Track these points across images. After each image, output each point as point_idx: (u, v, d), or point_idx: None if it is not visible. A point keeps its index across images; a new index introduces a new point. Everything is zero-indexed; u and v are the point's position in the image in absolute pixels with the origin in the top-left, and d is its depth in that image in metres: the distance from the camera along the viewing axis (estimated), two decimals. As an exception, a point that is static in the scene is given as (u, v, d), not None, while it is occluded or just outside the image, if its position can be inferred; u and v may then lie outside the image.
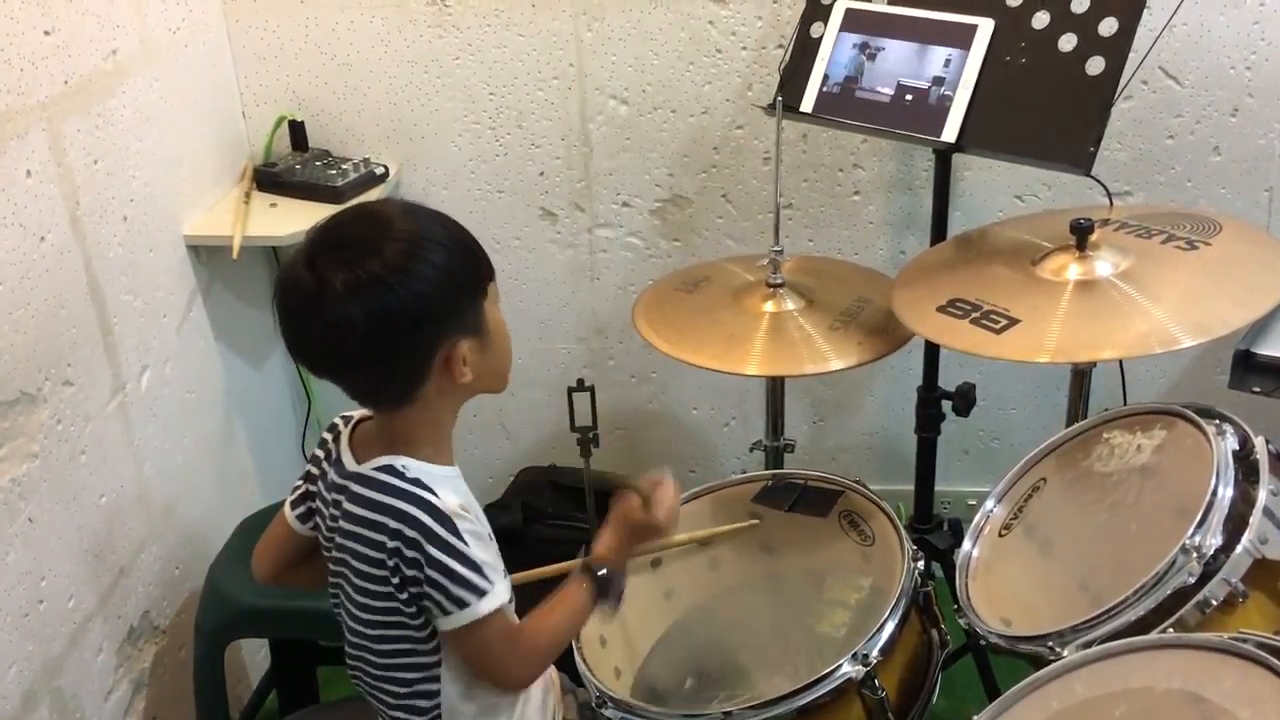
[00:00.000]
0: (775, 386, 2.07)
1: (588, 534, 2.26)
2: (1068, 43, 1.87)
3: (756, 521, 1.80)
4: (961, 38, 1.97)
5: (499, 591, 1.36)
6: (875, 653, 1.53)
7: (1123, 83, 1.82)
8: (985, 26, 1.95)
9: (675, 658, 1.70)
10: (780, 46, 2.36)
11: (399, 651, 1.44)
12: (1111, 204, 1.90)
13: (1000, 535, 1.60)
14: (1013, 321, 1.61)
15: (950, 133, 1.95)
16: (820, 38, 2.11)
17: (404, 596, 1.37)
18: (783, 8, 2.34)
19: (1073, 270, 1.70)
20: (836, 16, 2.10)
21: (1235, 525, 1.32)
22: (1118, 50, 1.83)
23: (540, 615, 1.43)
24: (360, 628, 1.45)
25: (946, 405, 2.24)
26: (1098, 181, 1.88)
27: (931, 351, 2.22)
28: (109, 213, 2.03)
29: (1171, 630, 1.28)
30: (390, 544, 1.35)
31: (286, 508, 1.54)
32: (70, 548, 1.91)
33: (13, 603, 1.76)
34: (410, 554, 1.34)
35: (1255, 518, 1.30)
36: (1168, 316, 1.58)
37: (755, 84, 2.41)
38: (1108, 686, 1.25)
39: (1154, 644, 1.24)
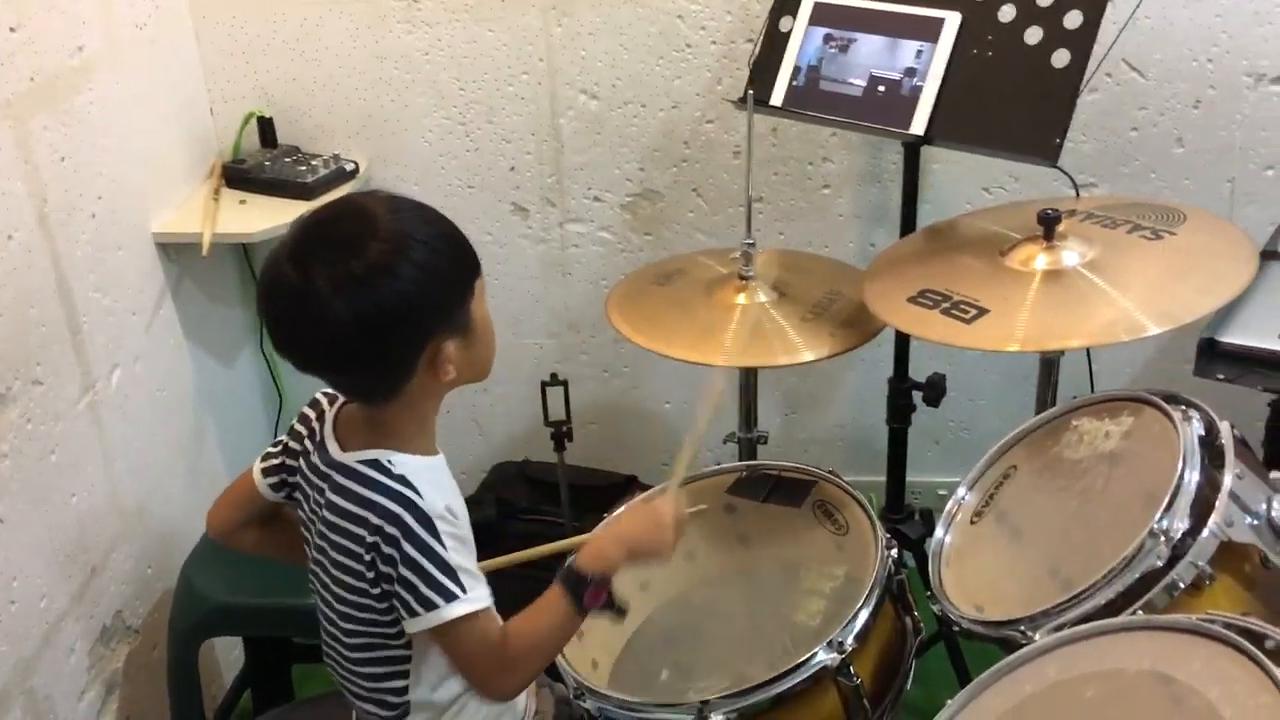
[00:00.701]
0: (748, 379, 2.08)
1: (562, 528, 2.28)
2: (1033, 35, 1.89)
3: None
4: (929, 31, 1.99)
5: (473, 598, 1.35)
6: (850, 640, 1.54)
7: (1088, 75, 1.84)
8: (952, 20, 1.97)
9: (652, 649, 1.70)
10: (749, 41, 2.37)
11: (369, 645, 1.44)
12: (1078, 195, 1.92)
13: (972, 522, 1.62)
14: (982, 311, 1.63)
15: (919, 125, 1.96)
16: (789, 32, 2.12)
17: (376, 591, 1.38)
18: (752, 1, 2.35)
19: (1040, 260, 1.72)
20: (805, 10, 2.11)
21: (1202, 509, 1.34)
22: (1083, 43, 1.85)
23: (522, 624, 1.42)
24: (335, 616, 1.46)
25: (917, 396, 2.26)
26: (1064, 173, 1.91)
27: (902, 343, 2.24)
28: (77, 211, 2.01)
29: (1141, 613, 1.30)
30: (370, 538, 1.35)
31: (256, 470, 1.54)
32: (41, 548, 1.90)
33: (-15, 603, 1.76)
34: (387, 550, 1.34)
35: (1221, 501, 1.33)
36: (1134, 305, 1.60)
37: (725, 78, 2.42)
38: (1079, 669, 1.27)
39: (1124, 626, 1.26)
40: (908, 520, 2.31)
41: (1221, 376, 1.89)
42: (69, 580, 1.98)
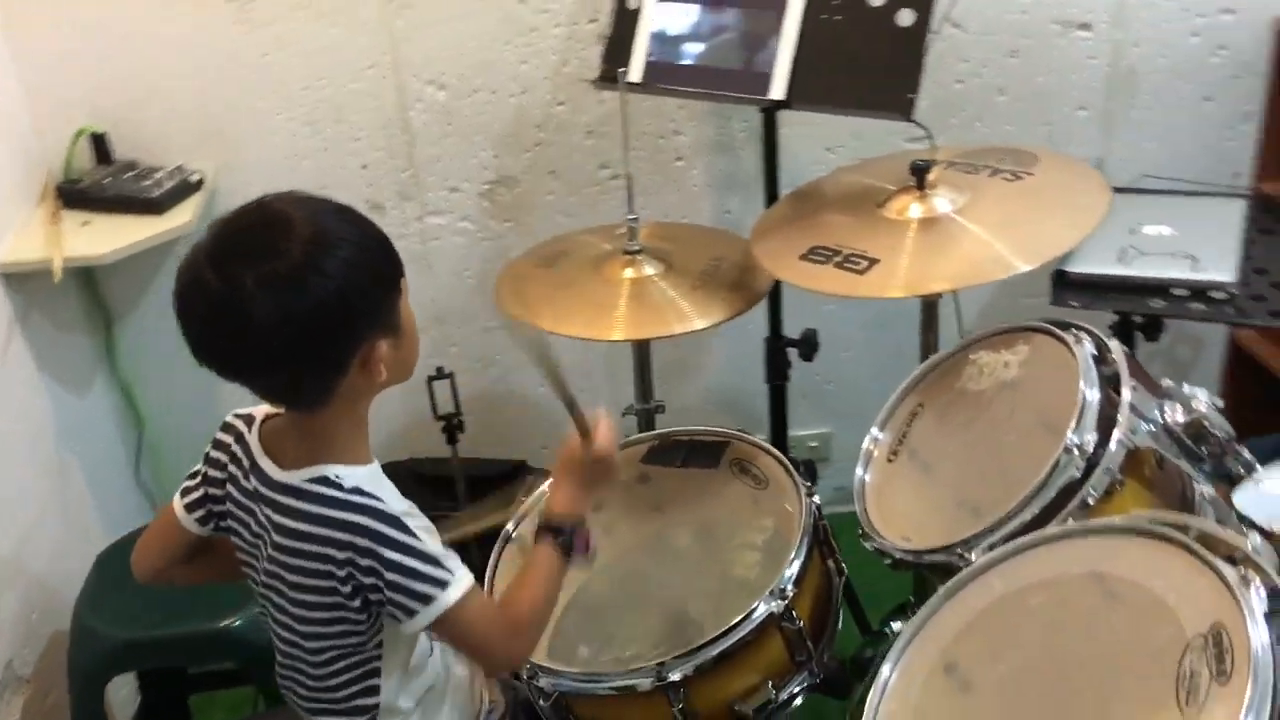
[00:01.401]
0: (641, 351, 2.12)
1: (457, 521, 2.28)
2: (877, -2, 1.99)
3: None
4: (776, 1, 2.07)
5: (461, 577, 1.36)
6: (790, 586, 1.61)
7: (932, 30, 1.95)
8: (799, -12, 2.05)
9: (588, 622, 1.73)
10: (593, 21, 2.41)
11: (340, 656, 1.43)
12: (934, 146, 2.03)
13: (889, 461, 1.71)
14: (873, 261, 1.72)
15: (778, 91, 2.04)
16: (638, 9, 2.17)
17: (356, 604, 1.36)
18: (592, -17, 2.39)
19: (915, 209, 1.82)
20: (653, -12, 2.16)
21: (1107, 422, 1.46)
22: (925, 1, 1.96)
23: (516, 589, 1.44)
24: (297, 637, 1.44)
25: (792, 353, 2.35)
26: (920, 126, 2.01)
27: (774, 303, 2.32)
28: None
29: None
30: (340, 555, 1.33)
31: (178, 508, 1.50)
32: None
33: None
34: (365, 563, 1.32)
35: (1124, 413, 1.45)
36: (1008, 244, 1.72)
37: (571, 59, 2.45)
38: (1023, 580, 1.37)
39: (1059, 535, 1.37)
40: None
41: (1075, 304, 2.05)
42: (-46, 635, 1.88)
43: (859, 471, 1.71)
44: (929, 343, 1.89)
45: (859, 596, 2.19)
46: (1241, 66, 2.52)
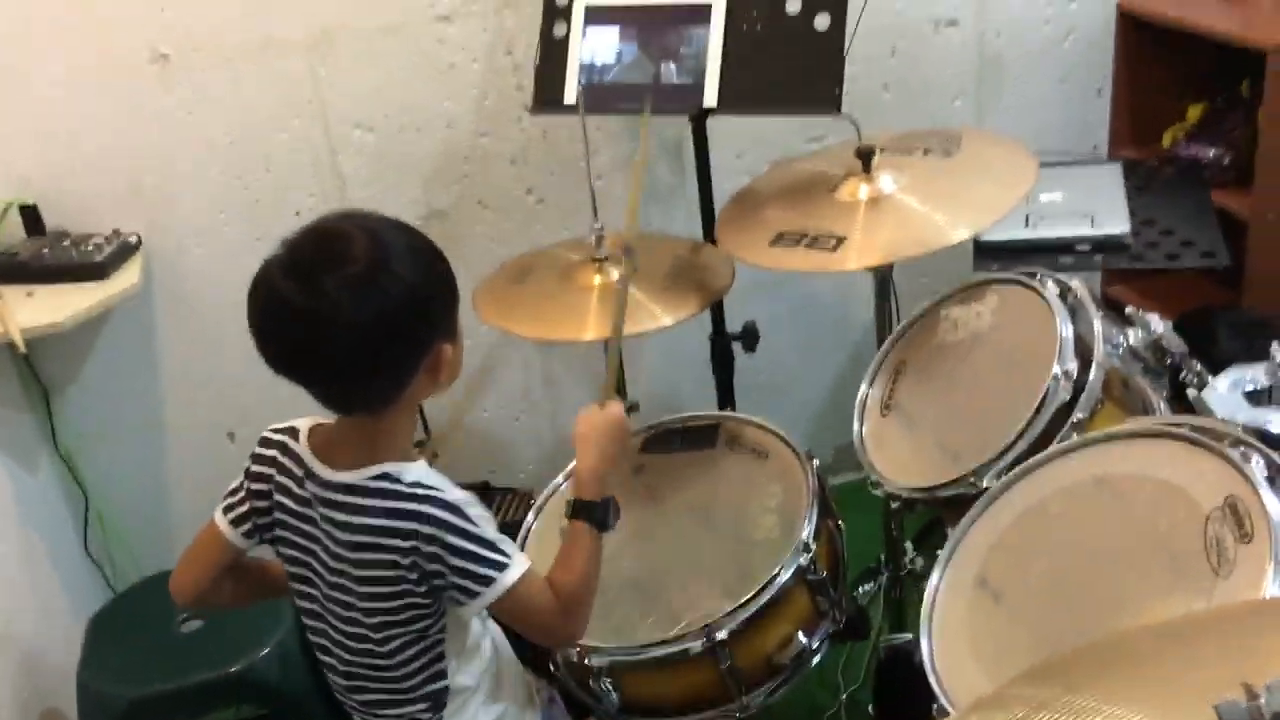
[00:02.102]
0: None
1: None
2: (793, 6, 2.16)
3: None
4: (699, 16, 2.22)
5: (519, 559, 1.45)
6: (811, 540, 1.75)
7: (850, 30, 2.13)
8: (718, 4, 2.21)
9: (631, 599, 1.83)
10: (509, 54, 2.53)
11: (410, 644, 1.50)
12: (860, 137, 2.21)
13: (883, 415, 1.87)
14: (841, 240, 1.88)
15: (710, 99, 2.19)
16: (565, 36, 2.29)
17: (422, 589, 1.44)
18: (504, 18, 2.50)
19: (863, 191, 1.99)
20: (578, 14, 2.28)
21: (1084, 350, 1.65)
22: (838, 6, 2.14)
23: (562, 569, 1.52)
24: (366, 632, 1.49)
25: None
26: (848, 118, 2.19)
27: (716, 301, 2.46)
28: None
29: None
30: (406, 544, 1.41)
31: (222, 523, 1.55)
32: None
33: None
34: (429, 549, 1.41)
35: (1098, 340, 1.64)
36: (954, 214, 1.90)
37: (491, 92, 2.55)
38: (1040, 493, 1.54)
39: (1067, 449, 1.54)
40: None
41: (995, 267, 2.26)
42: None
43: (855, 425, 1.86)
44: (884, 311, 2.06)
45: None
46: (1090, 47, 2.81)
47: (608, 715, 1.76)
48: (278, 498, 1.52)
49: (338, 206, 2.51)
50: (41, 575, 2.35)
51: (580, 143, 2.61)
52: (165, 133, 2.42)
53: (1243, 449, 1.37)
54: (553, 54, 2.30)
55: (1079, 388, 1.61)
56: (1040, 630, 1.43)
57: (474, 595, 1.43)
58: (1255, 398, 1.65)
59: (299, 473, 1.49)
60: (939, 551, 1.55)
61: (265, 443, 1.55)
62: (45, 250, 2.32)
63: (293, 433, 1.53)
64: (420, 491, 1.42)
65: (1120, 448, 1.49)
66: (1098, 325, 1.64)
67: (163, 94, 2.39)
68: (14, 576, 2.20)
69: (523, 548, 1.90)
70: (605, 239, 2.09)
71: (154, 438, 2.65)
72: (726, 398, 2.56)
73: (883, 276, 2.04)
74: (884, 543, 2.29)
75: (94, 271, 2.29)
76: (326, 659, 1.58)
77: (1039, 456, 1.56)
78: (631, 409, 2.26)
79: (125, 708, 1.99)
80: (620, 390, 1.59)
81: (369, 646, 1.51)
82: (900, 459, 1.83)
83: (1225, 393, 1.64)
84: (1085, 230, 2.29)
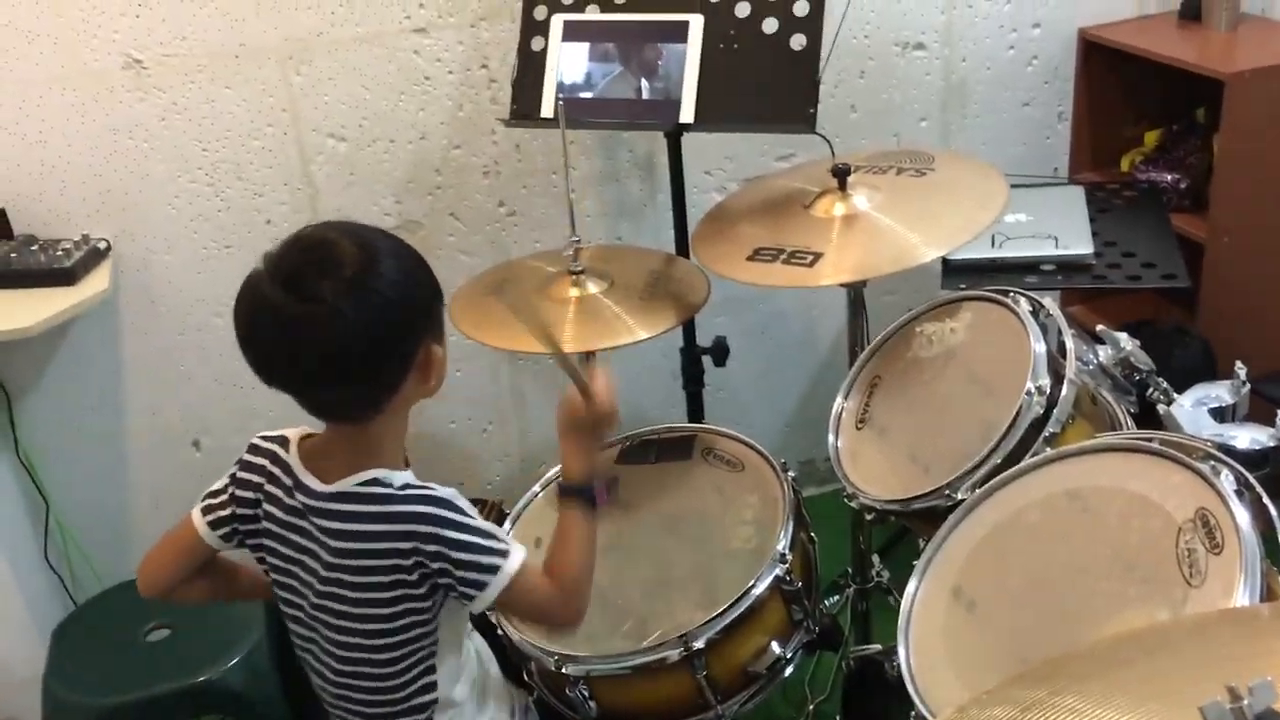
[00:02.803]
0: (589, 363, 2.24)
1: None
2: (770, 26, 2.20)
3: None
4: (676, 33, 2.25)
5: (516, 546, 1.46)
6: (787, 551, 1.77)
7: (825, 51, 2.17)
8: (696, 21, 2.24)
9: (608, 609, 1.84)
10: (484, 67, 2.54)
11: (406, 654, 1.50)
12: (834, 154, 2.25)
13: (858, 428, 1.90)
14: (818, 255, 1.91)
15: (687, 115, 2.22)
16: (543, 50, 2.31)
17: (421, 592, 1.44)
18: (480, 30, 2.52)
19: (839, 208, 2.03)
20: (556, 29, 2.30)
21: (1056, 366, 1.69)
22: (813, 26, 2.18)
23: (558, 555, 1.53)
24: (359, 640, 1.49)
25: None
26: (821, 136, 2.23)
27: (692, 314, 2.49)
28: None
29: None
30: (406, 546, 1.41)
31: (200, 524, 1.54)
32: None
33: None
34: (431, 548, 1.41)
35: (1070, 357, 1.68)
36: (927, 233, 1.94)
37: (466, 104, 2.57)
38: (1014, 505, 1.57)
39: (1040, 463, 1.58)
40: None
41: (963, 285, 2.30)
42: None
43: (831, 438, 1.89)
44: (857, 327, 2.10)
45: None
46: (1052, 73, 2.88)
47: (584, 724, 1.77)
48: (266, 507, 1.52)
49: (309, 215, 2.54)
50: (1, 583, 2.32)
51: (553, 156, 2.66)
52: (137, 139, 2.41)
53: (1212, 463, 1.41)
54: (530, 67, 2.32)
55: (1051, 403, 1.65)
56: (1016, 639, 1.46)
57: (482, 587, 1.43)
58: (1219, 414, 1.70)
59: (289, 483, 1.49)
60: (915, 563, 1.57)
61: (255, 450, 1.54)
62: (13, 255, 2.30)
63: (283, 442, 1.52)
64: (411, 493, 1.44)
65: (1093, 461, 1.53)
66: (1069, 342, 1.68)
67: (136, 101, 2.39)
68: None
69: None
70: (582, 251, 2.10)
71: (117, 445, 2.63)
72: (697, 412, 2.58)
73: (856, 293, 2.07)
74: (852, 555, 2.32)
75: (63, 276, 2.27)
76: (315, 669, 1.57)
77: (1013, 470, 1.59)
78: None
79: (93, 717, 1.97)
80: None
81: (362, 655, 1.50)
82: (875, 471, 1.85)
83: (1191, 409, 1.69)
84: (1050, 251, 2.35)
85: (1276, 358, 2.44)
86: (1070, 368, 1.66)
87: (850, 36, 2.71)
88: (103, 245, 2.37)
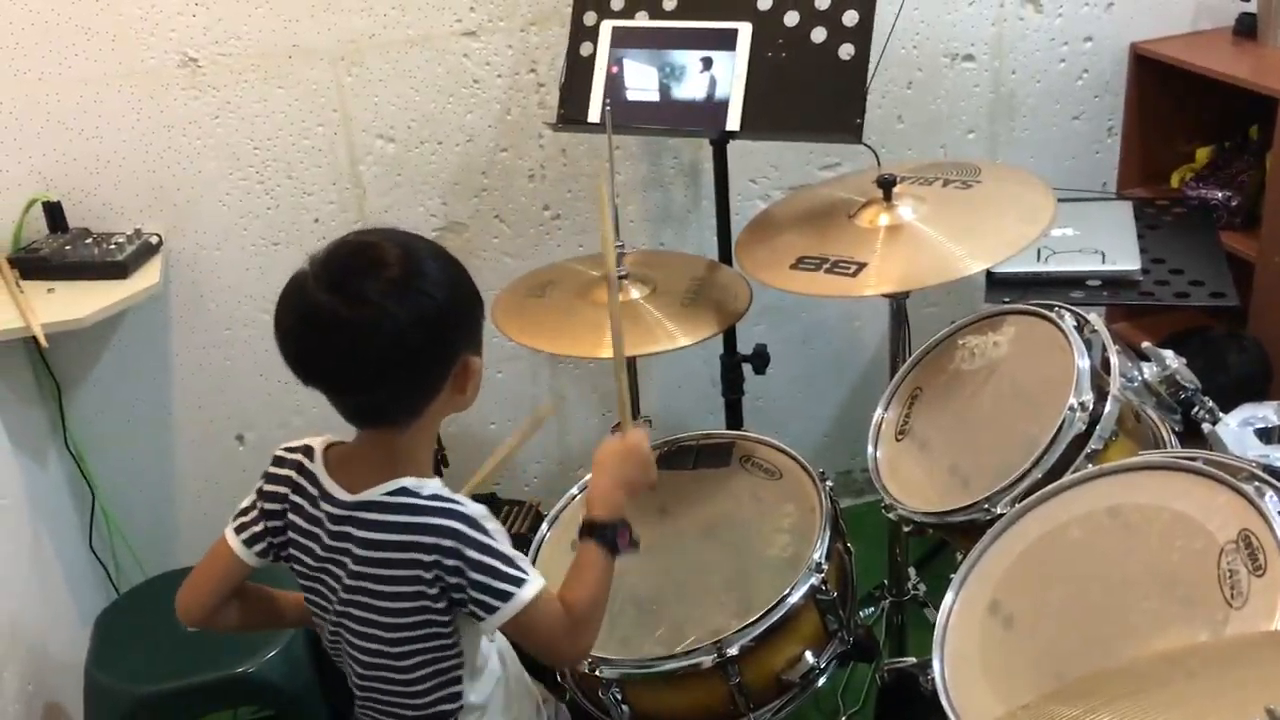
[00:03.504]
0: (630, 368, 2.26)
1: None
2: (819, 35, 2.20)
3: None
4: (725, 41, 2.25)
5: (534, 577, 1.45)
6: (823, 560, 1.77)
7: (874, 62, 2.17)
8: (745, 30, 2.24)
9: (645, 613, 1.84)
10: (531, 71, 2.56)
11: (427, 662, 1.51)
12: (880, 164, 2.25)
13: (898, 439, 1.90)
14: (861, 265, 1.91)
15: (733, 122, 2.22)
16: (592, 55, 2.33)
17: (441, 605, 1.45)
18: (530, 35, 2.53)
19: (883, 218, 2.02)
20: (604, 35, 2.32)
21: (1100, 383, 1.68)
22: (862, 36, 2.17)
23: (572, 588, 1.52)
24: (383, 647, 1.50)
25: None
26: (867, 147, 2.23)
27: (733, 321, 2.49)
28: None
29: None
30: (428, 558, 1.41)
31: (234, 543, 1.54)
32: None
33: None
34: (451, 563, 1.41)
35: (1114, 374, 1.67)
36: (972, 246, 1.93)
37: (513, 108, 2.58)
38: (1056, 520, 1.56)
39: (1082, 479, 1.57)
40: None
41: (1007, 299, 2.29)
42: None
43: (870, 449, 1.89)
44: (899, 338, 2.09)
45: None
46: (1103, 87, 2.86)
47: (616, 727, 1.78)
48: (291, 517, 1.52)
49: (356, 214, 2.57)
50: (48, 571, 2.36)
51: (598, 160, 2.67)
52: (190, 137, 2.44)
53: (1257, 484, 1.40)
54: (578, 72, 2.33)
55: (1094, 419, 1.64)
56: (1052, 656, 1.45)
57: (492, 610, 1.43)
58: (1265, 435, 1.68)
59: (314, 492, 1.49)
60: (951, 575, 1.57)
61: (279, 462, 1.54)
62: (67, 247, 2.34)
63: (308, 451, 1.52)
64: (439, 505, 1.43)
65: (1135, 479, 1.52)
66: (1114, 358, 1.67)
67: (191, 99, 2.42)
68: (23, 571, 2.21)
69: (535, 556, 1.92)
70: (625, 256, 2.11)
71: (163, 437, 2.66)
72: (736, 419, 2.58)
73: (899, 304, 2.07)
74: (889, 567, 2.31)
75: (116, 270, 2.30)
76: (346, 671, 1.59)
77: (1054, 485, 1.58)
78: (645, 423, 2.29)
79: (134, 704, 1.99)
80: (634, 409, 1.57)
81: (385, 662, 1.51)
82: (913, 483, 1.85)
83: (1237, 429, 1.67)
84: (1096, 266, 2.33)
85: (1326, 379, 2.41)
86: (1114, 384, 1.65)
87: (899, 47, 2.71)
88: (154, 240, 2.41)
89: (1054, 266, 2.36)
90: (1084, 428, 1.63)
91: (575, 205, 2.70)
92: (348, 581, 1.49)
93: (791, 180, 2.77)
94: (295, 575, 1.57)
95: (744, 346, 2.52)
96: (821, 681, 1.81)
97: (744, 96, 2.22)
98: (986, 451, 1.79)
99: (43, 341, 2.15)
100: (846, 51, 2.17)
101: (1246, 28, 2.72)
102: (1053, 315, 1.77)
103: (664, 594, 1.87)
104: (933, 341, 1.95)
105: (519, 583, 1.43)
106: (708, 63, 2.25)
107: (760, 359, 2.49)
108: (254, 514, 1.55)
